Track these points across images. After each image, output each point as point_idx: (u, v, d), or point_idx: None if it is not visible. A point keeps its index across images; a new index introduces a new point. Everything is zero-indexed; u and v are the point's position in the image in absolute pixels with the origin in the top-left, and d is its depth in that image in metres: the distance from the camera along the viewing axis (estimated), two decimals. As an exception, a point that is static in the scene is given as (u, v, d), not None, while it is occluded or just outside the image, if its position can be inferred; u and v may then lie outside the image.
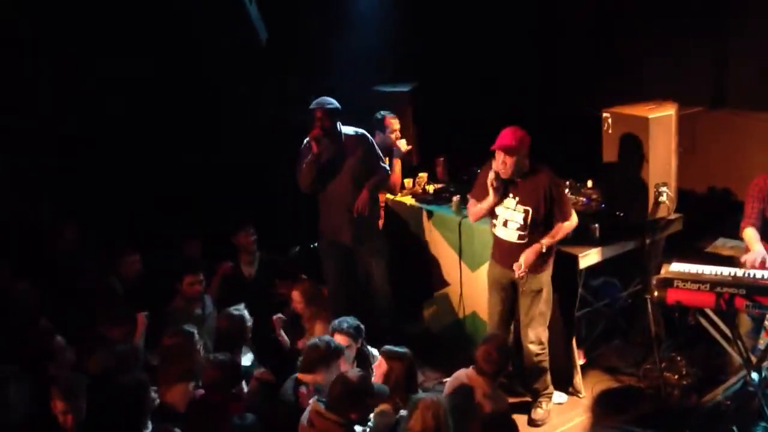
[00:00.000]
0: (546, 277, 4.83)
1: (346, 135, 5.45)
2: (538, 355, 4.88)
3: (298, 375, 4.31)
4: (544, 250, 4.66)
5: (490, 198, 4.73)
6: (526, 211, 4.67)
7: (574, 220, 4.80)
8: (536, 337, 4.85)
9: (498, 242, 4.88)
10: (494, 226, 4.84)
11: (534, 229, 4.69)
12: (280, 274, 5.89)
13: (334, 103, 5.37)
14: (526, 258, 4.64)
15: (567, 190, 5.32)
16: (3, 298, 4.81)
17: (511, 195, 4.73)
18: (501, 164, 4.62)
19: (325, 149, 5.34)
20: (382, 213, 5.95)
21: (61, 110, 5.82)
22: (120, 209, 5.88)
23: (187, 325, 4.57)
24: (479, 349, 4.35)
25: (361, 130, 5.51)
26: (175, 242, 5.84)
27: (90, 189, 5.88)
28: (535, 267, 4.73)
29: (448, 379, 4.43)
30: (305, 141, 5.42)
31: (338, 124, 5.40)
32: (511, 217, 4.73)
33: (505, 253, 4.82)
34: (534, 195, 4.65)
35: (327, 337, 4.45)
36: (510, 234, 4.75)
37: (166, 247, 5.79)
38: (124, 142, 6.01)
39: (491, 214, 4.84)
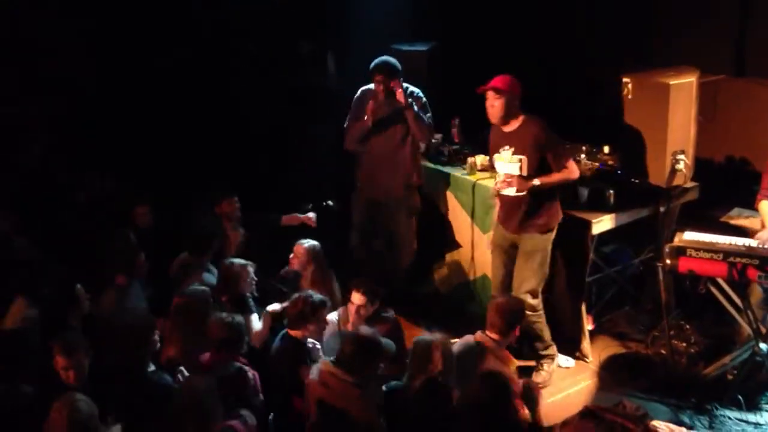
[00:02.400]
0: (542, 242, 4.81)
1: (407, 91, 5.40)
2: (530, 316, 4.84)
3: (288, 330, 4.33)
4: (537, 183, 4.65)
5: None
6: (520, 161, 4.68)
7: (573, 170, 4.78)
8: (524, 302, 4.78)
9: (500, 200, 4.90)
10: (496, 183, 4.84)
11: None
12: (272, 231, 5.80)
13: (394, 64, 5.32)
14: (516, 178, 4.64)
15: (583, 156, 5.29)
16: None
17: (507, 146, 4.74)
18: (490, 107, 4.69)
19: (380, 106, 5.33)
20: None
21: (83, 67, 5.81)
22: (130, 163, 5.90)
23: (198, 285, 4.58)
24: (488, 312, 4.37)
25: (416, 89, 5.47)
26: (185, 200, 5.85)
27: (105, 143, 5.90)
28: (531, 225, 4.75)
29: (457, 340, 4.46)
30: (358, 92, 5.39)
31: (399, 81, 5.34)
32: (508, 170, 4.74)
33: (505, 210, 4.86)
34: (527, 143, 4.68)
35: (309, 291, 4.45)
36: (508, 188, 4.75)
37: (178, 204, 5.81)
38: (138, 98, 6.00)
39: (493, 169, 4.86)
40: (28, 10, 5.65)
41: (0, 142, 5.59)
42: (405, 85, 5.45)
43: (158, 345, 4.15)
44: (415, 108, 5.35)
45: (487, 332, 4.35)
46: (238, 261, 4.87)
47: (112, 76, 5.93)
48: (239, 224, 5.71)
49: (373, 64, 5.31)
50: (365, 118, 5.36)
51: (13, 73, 5.61)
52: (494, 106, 4.69)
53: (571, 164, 4.79)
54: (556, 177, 4.72)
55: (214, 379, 3.72)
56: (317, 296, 4.38)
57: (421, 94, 5.49)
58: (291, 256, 5.22)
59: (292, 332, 4.31)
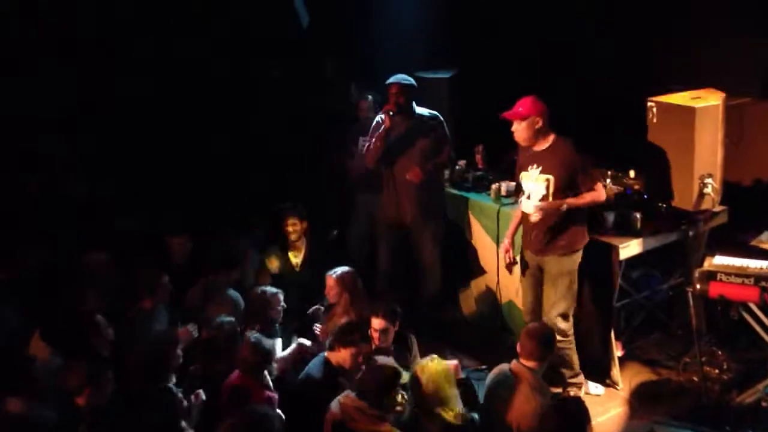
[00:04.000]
0: (570, 264, 4.77)
1: (421, 115, 5.45)
2: (559, 342, 4.76)
3: (327, 354, 4.37)
4: (564, 208, 4.61)
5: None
6: (547, 180, 4.66)
7: (600, 193, 4.74)
8: (555, 326, 4.74)
9: (524, 220, 4.86)
10: (520, 203, 4.82)
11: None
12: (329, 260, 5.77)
13: (410, 80, 5.38)
14: (545, 204, 4.61)
15: (608, 180, 5.26)
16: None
17: (534, 165, 4.72)
18: (515, 131, 4.72)
19: (396, 126, 5.34)
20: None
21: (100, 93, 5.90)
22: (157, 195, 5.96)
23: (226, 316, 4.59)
24: (521, 339, 4.30)
25: (435, 112, 5.50)
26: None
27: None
28: (555, 247, 4.72)
29: (484, 367, 4.41)
30: (378, 117, 5.43)
31: (413, 102, 5.40)
32: (534, 189, 4.71)
33: (529, 232, 4.83)
34: (556, 162, 4.65)
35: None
36: (532, 206, 4.71)
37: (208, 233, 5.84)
38: (159, 124, 6.08)
39: (519, 189, 4.85)
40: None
41: (24, 169, 5.67)
42: (425, 110, 5.48)
43: (180, 360, 4.19)
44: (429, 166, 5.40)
45: (522, 361, 4.24)
46: (269, 289, 4.91)
47: (133, 98, 6.00)
48: (302, 247, 5.74)
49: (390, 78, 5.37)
50: (383, 127, 5.35)
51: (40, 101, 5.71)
52: (518, 129, 4.70)
53: (599, 187, 4.75)
54: (584, 200, 4.68)
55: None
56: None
57: (441, 119, 5.50)
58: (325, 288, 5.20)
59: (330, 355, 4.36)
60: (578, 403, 3.72)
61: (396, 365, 4.07)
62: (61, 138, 5.73)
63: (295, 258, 5.79)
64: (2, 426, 3.77)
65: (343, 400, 3.92)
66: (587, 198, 4.69)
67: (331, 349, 4.35)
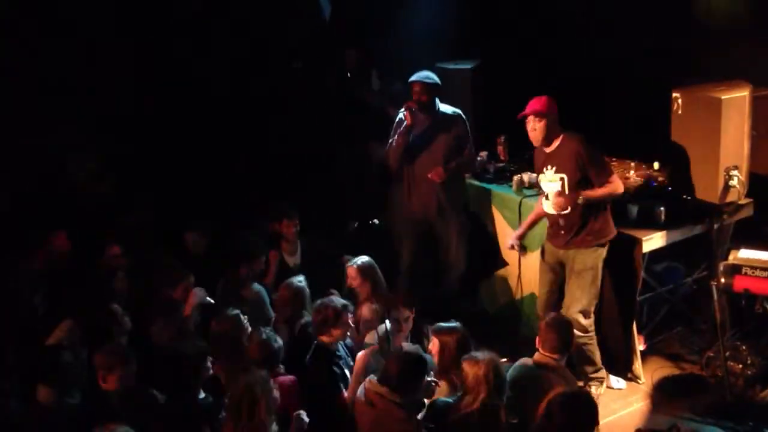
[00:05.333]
0: (593, 259, 4.74)
1: (443, 113, 5.44)
2: (580, 338, 4.77)
3: (317, 336, 4.40)
4: (581, 201, 4.62)
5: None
6: (562, 179, 4.69)
7: (617, 185, 4.72)
8: (575, 322, 4.72)
9: (547, 217, 4.90)
10: (542, 203, 4.85)
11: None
12: (325, 259, 5.74)
13: (434, 78, 5.37)
14: (562, 197, 4.65)
15: (632, 172, 5.21)
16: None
17: (549, 165, 4.76)
18: (531, 130, 4.72)
19: (418, 123, 5.33)
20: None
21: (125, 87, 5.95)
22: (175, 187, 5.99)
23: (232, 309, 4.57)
24: (540, 332, 4.27)
25: (458, 110, 5.50)
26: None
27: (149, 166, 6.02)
28: (579, 241, 4.71)
29: (504, 359, 4.39)
30: (400, 112, 5.42)
31: (436, 99, 5.40)
32: (551, 189, 4.75)
33: (552, 226, 4.86)
34: (566, 160, 4.69)
35: (330, 297, 4.52)
36: (550, 204, 4.76)
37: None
38: (174, 120, 6.10)
39: (540, 212, 4.92)
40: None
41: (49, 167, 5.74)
42: (448, 107, 5.46)
43: (210, 372, 4.16)
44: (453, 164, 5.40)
45: (544, 353, 4.22)
46: (296, 282, 4.92)
47: (155, 98, 6.04)
48: (297, 247, 5.68)
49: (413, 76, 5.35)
50: (405, 124, 5.34)
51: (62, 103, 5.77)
52: (536, 129, 4.73)
53: (615, 179, 4.73)
54: (600, 192, 4.67)
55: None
56: (338, 301, 4.45)
57: (463, 117, 5.49)
58: (346, 278, 5.20)
59: (321, 338, 4.39)
60: (587, 398, 3.68)
61: (421, 353, 4.09)
62: (83, 137, 5.78)
63: (291, 258, 5.69)
64: (33, 414, 3.83)
65: (367, 384, 3.93)
66: (604, 191, 4.67)
67: (317, 334, 4.40)
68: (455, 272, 5.71)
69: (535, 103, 4.70)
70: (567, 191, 4.69)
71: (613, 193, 4.72)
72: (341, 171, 6.45)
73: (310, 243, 5.77)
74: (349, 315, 4.47)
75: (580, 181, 4.68)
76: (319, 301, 4.49)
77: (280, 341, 4.30)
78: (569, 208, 4.69)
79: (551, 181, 4.74)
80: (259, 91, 6.35)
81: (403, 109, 5.38)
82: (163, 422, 3.85)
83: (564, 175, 4.69)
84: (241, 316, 4.47)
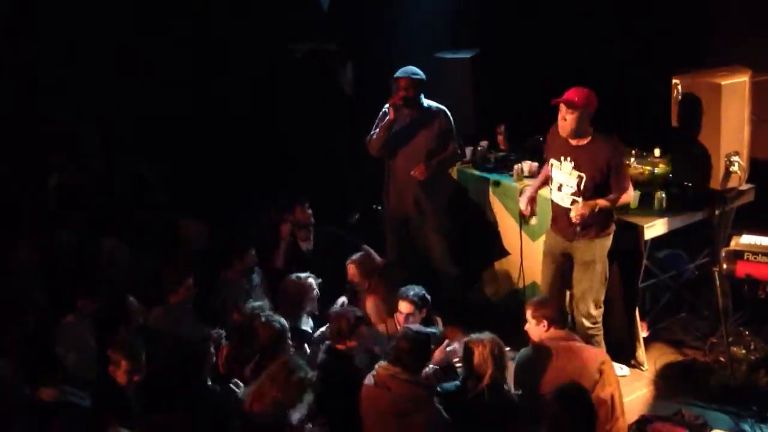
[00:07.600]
0: (600, 249, 4.72)
1: (427, 108, 5.42)
2: (589, 329, 4.78)
3: (332, 344, 4.35)
4: (597, 210, 4.54)
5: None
6: (579, 177, 4.58)
7: (630, 194, 4.70)
8: (586, 312, 4.74)
9: (553, 207, 4.83)
10: (550, 190, 4.78)
11: (588, 197, 4.58)
12: (340, 247, 5.73)
13: (419, 73, 5.35)
14: (580, 208, 4.51)
15: (633, 159, 5.20)
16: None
17: (568, 158, 4.62)
18: (562, 119, 4.54)
19: (402, 117, 5.32)
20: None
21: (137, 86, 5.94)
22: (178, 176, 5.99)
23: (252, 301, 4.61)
24: (531, 311, 4.29)
25: (442, 106, 5.47)
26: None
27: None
28: (589, 232, 4.65)
29: (508, 348, 4.40)
30: (385, 107, 5.40)
31: (421, 96, 5.38)
32: (565, 182, 4.66)
33: (558, 218, 4.78)
34: (592, 163, 4.55)
35: (350, 308, 4.51)
36: (564, 198, 4.68)
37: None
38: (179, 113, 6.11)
39: (548, 178, 4.79)
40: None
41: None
42: (433, 103, 5.45)
43: (214, 359, 4.18)
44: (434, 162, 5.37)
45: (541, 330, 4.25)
46: (304, 276, 4.91)
47: (155, 98, 6.04)
48: (311, 233, 5.69)
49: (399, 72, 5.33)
50: (387, 118, 5.32)
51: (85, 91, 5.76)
52: (566, 120, 4.52)
53: (630, 188, 4.69)
54: (618, 201, 4.61)
55: None
56: (353, 313, 4.40)
57: (447, 113, 5.45)
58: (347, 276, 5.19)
59: (337, 346, 4.34)
60: (581, 389, 3.70)
61: (424, 329, 4.12)
62: (92, 127, 5.79)
63: (305, 243, 5.72)
64: (37, 413, 3.82)
65: (377, 371, 3.92)
66: (620, 200, 4.63)
67: (332, 343, 4.34)
68: (446, 275, 5.67)
69: (572, 93, 4.48)
70: (582, 189, 4.59)
71: (624, 203, 4.69)
72: (336, 160, 6.43)
73: (320, 230, 5.79)
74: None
75: (598, 184, 4.56)
76: (334, 310, 4.49)
77: (283, 321, 4.30)
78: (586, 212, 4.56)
79: (569, 174, 4.62)
80: (258, 83, 6.35)
81: (387, 105, 5.35)
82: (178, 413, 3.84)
83: (583, 175, 4.56)
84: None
